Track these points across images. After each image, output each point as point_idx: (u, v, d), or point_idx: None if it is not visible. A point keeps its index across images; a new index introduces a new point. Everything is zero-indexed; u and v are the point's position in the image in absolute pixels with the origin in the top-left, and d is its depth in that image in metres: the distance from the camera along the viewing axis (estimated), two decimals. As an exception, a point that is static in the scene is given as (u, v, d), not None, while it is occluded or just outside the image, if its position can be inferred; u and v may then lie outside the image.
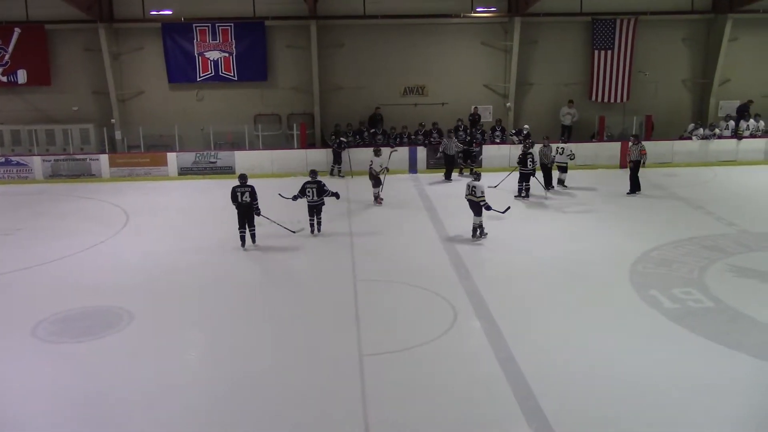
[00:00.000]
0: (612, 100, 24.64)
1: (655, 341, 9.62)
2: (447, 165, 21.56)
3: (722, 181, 20.70)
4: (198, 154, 22.57)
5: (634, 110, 24.50)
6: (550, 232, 15.46)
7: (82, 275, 12.94)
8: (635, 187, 18.81)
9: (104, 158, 22.57)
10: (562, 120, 23.84)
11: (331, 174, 22.00)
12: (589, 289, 11.70)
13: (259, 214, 14.49)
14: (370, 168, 18.26)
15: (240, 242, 14.44)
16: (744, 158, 23.00)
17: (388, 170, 18.42)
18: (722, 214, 16.48)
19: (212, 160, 22.55)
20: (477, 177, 15.00)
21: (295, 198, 15.37)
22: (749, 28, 24.46)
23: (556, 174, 19.61)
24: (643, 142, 19.10)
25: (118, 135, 23.62)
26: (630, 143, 19.24)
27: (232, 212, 14.37)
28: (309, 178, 15.44)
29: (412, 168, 22.63)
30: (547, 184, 19.20)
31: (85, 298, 11.56)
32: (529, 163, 18.22)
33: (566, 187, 19.71)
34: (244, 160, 22.49)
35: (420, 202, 18.45)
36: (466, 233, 15.06)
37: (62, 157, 22.65)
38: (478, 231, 14.80)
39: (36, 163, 22.43)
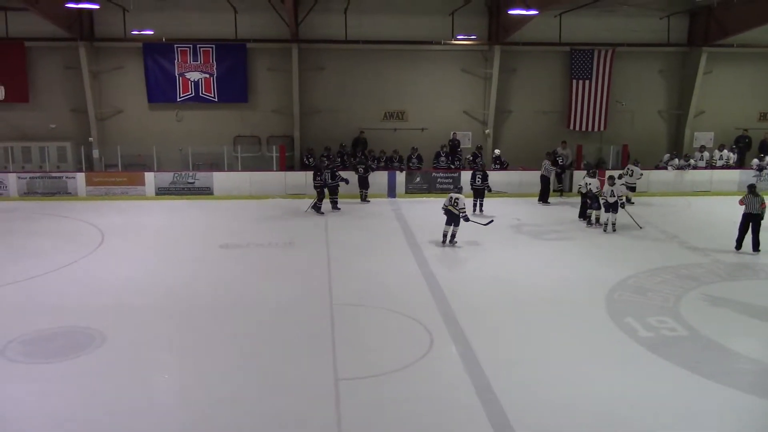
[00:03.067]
0: (589, 129, 24.96)
1: (631, 369, 9.66)
2: (544, 187, 21.96)
3: (697, 211, 20.97)
4: (176, 174, 22.44)
5: (611, 139, 24.90)
6: (528, 258, 15.53)
7: (54, 295, 12.72)
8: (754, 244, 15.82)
9: (81, 176, 22.36)
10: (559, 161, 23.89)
11: (362, 200, 21.95)
12: (566, 317, 11.74)
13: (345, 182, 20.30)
14: (588, 190, 18.52)
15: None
16: (718, 189, 23.35)
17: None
18: (696, 243, 16.66)
19: (190, 180, 22.43)
20: (459, 190, 16.58)
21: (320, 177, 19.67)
22: (723, 61, 25.03)
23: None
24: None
25: (95, 153, 23.46)
26: (748, 193, 15.81)
27: (209, 233, 14.22)
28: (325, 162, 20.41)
29: (391, 192, 22.68)
30: (582, 214, 19.36)
31: (56, 319, 11.34)
32: (478, 179, 20.18)
33: (633, 203, 20.80)
34: (222, 181, 22.43)
35: (398, 226, 18.46)
36: (443, 257, 15.17)
37: (38, 174, 22.42)
38: (449, 238, 16.13)
39: (11, 180, 22.14)
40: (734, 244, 15.94)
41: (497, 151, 23.60)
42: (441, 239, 16.24)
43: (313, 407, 8.50)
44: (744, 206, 15.80)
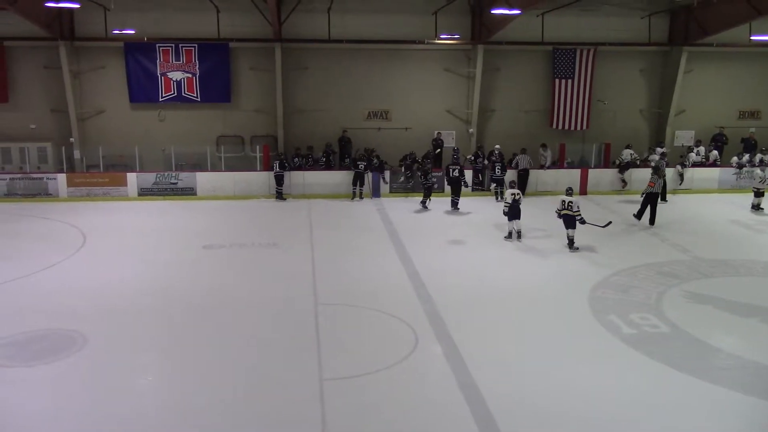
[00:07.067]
0: (572, 128, 25.09)
1: (614, 366, 9.75)
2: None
3: (677, 208, 21.11)
4: (159, 175, 22.30)
5: (594, 138, 25.01)
6: (511, 256, 15.60)
7: (35, 297, 12.61)
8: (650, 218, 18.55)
9: (62, 177, 22.14)
10: (541, 161, 23.97)
11: (354, 197, 22.15)
12: (549, 314, 11.81)
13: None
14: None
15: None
16: (698, 187, 23.54)
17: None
18: (677, 240, 16.81)
19: (173, 181, 22.29)
20: (571, 192, 16.32)
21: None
22: (703, 60, 25.25)
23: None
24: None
25: (76, 154, 23.23)
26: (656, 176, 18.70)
27: (192, 234, 14.16)
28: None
29: (375, 192, 22.67)
30: (663, 197, 20.79)
31: (37, 321, 11.25)
32: (497, 170, 22.10)
33: (762, 209, 20.61)
34: (206, 181, 22.31)
35: (382, 226, 18.46)
36: (427, 257, 15.20)
37: (18, 175, 22.17)
38: (567, 242, 16.08)
39: (-10, 181, 21.92)
40: (641, 220, 18.42)
41: (498, 147, 22.78)
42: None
43: (298, 408, 8.49)
44: (653, 187, 18.21)
